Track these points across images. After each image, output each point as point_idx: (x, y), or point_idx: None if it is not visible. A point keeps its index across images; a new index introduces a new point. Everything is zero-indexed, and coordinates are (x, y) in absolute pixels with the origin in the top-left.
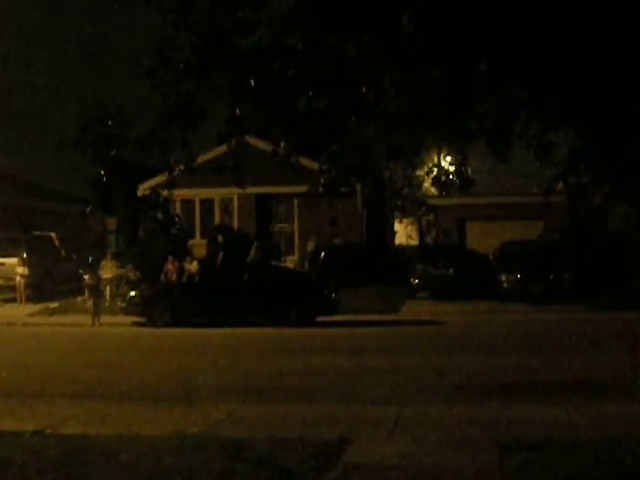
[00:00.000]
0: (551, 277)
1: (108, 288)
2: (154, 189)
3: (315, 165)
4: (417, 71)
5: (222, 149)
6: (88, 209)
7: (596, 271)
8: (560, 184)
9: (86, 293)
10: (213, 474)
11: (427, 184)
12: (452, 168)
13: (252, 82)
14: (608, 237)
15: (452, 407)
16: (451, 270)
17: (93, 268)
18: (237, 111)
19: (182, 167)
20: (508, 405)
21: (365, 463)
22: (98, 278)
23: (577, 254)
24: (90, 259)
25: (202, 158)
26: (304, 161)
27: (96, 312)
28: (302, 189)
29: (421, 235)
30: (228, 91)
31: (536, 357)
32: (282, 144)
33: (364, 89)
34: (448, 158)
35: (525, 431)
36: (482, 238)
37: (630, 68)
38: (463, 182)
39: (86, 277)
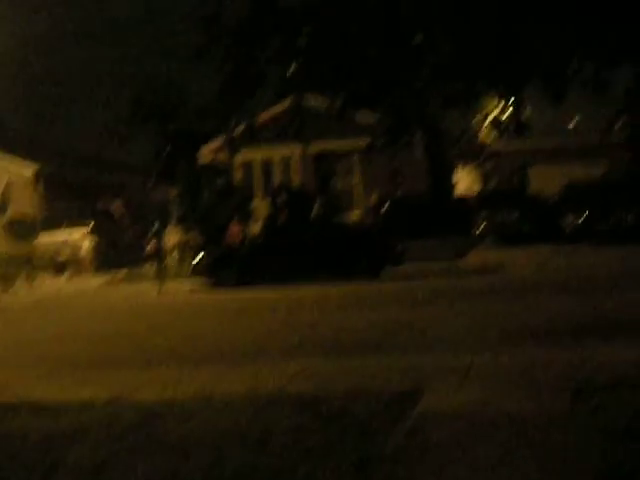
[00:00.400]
0: (615, 218)
1: (174, 253)
2: (215, 154)
3: (372, 119)
4: (468, 16)
5: (279, 109)
6: (150, 179)
7: None
8: (620, 122)
9: (152, 260)
10: (287, 430)
11: (487, 131)
12: (508, 113)
13: (304, 40)
14: None
15: (523, 352)
16: (514, 215)
17: (158, 235)
18: (292, 69)
19: (243, 129)
20: (579, 347)
21: (438, 412)
22: (162, 244)
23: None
24: (155, 226)
25: (260, 119)
26: (361, 115)
27: (161, 278)
28: (361, 144)
29: (483, 182)
30: (281, 52)
31: (605, 297)
32: (337, 99)
33: (415, 37)
34: (507, 103)
35: (597, 373)
36: (545, 181)
37: None
38: (518, 127)
39: (150, 244)
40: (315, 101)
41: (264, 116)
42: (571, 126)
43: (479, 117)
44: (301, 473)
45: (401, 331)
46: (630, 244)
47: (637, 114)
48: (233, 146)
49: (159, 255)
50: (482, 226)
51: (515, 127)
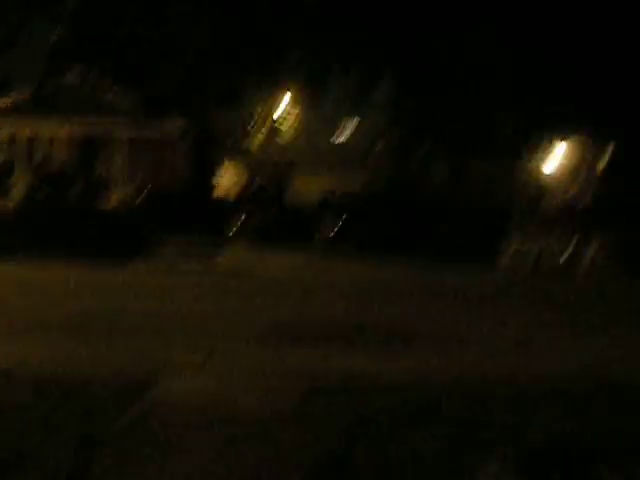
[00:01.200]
0: (371, 227)
1: None
2: None
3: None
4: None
5: (47, 87)
6: None
7: (412, 225)
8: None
9: None
10: (17, 409)
11: (254, 133)
12: (276, 117)
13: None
14: (427, 193)
15: (261, 352)
16: (272, 218)
17: None
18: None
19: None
20: (317, 352)
21: (169, 403)
22: None
23: (396, 206)
24: None
25: (24, 93)
26: (129, 101)
27: None
28: (125, 130)
29: (245, 184)
30: (50, 11)
31: (350, 304)
32: (97, 71)
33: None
34: (278, 107)
35: (330, 378)
36: (306, 187)
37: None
38: (273, 133)
39: None
40: (85, 83)
41: (28, 91)
42: (335, 137)
43: (249, 119)
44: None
45: (140, 322)
46: (386, 253)
47: (396, 126)
48: None
49: None
50: (239, 227)
51: (271, 132)
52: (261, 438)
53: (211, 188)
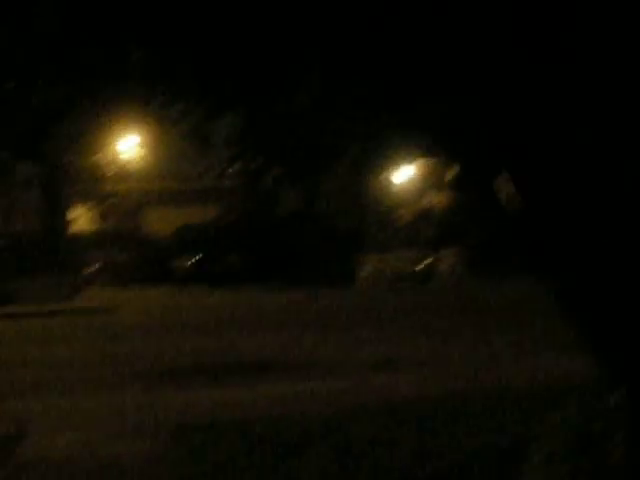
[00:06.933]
0: (225, 259)
1: None
2: None
3: None
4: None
5: None
6: None
7: (269, 252)
8: (233, 167)
9: None
10: None
11: (105, 170)
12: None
13: None
14: (279, 220)
15: (126, 395)
16: (127, 256)
17: None
18: None
19: None
20: (182, 389)
21: (39, 456)
22: None
23: (249, 237)
24: None
25: None
26: None
27: None
28: None
29: (99, 221)
30: None
31: (211, 338)
32: None
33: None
34: (127, 143)
35: (198, 414)
36: (160, 223)
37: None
38: (122, 173)
39: None
40: None
41: None
42: (185, 171)
43: (100, 156)
44: None
45: (3, 372)
46: (236, 285)
47: (247, 161)
48: None
49: None
50: (95, 266)
51: (119, 173)
52: None
53: (64, 228)
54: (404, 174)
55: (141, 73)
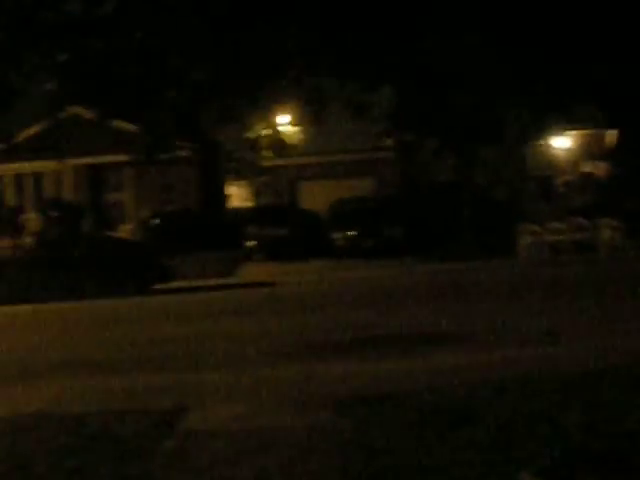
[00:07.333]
0: (384, 232)
1: None
2: None
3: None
4: (226, 37)
5: (47, 122)
6: None
7: (427, 225)
8: (388, 140)
9: None
10: (51, 453)
11: (259, 147)
12: (283, 129)
13: (64, 56)
14: (438, 190)
15: (290, 367)
16: (285, 231)
17: None
18: (53, 86)
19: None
20: (345, 361)
21: (203, 429)
22: None
23: (408, 209)
24: None
25: (26, 134)
26: (130, 128)
27: None
28: (132, 157)
29: (255, 198)
30: (41, 68)
31: (372, 311)
32: (98, 110)
33: (174, 57)
34: (281, 120)
35: (362, 386)
36: (316, 197)
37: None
38: (277, 146)
39: None
40: (85, 114)
41: (31, 130)
42: (340, 143)
43: (252, 134)
44: None
45: (169, 348)
46: (396, 258)
47: (402, 133)
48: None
49: None
50: (253, 241)
51: (274, 146)
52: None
53: (222, 205)
54: (562, 144)
55: (300, 51)
